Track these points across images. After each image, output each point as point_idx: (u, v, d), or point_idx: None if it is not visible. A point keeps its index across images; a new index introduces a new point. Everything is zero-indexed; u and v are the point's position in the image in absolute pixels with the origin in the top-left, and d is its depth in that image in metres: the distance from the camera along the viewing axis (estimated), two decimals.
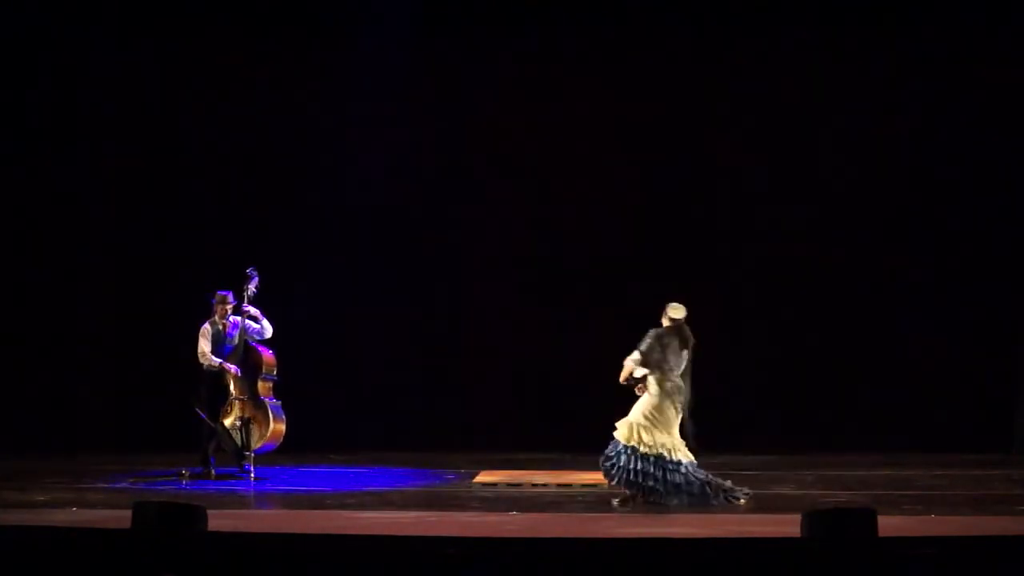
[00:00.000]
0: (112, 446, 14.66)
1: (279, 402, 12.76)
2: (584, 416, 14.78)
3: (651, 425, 10.83)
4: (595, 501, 11.32)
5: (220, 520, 8.11)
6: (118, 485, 12.18)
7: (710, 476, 10.89)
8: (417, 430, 14.93)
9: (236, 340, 12.71)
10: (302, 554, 6.92)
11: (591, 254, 15.27)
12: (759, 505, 10.92)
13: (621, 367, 11.01)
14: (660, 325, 10.97)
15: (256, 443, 12.54)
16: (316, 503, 11.22)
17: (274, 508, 11.37)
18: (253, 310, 12.74)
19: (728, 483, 10.92)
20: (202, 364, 12.62)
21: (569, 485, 12.08)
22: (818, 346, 14.88)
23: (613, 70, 15.19)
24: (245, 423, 12.54)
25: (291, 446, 12.89)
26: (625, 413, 13.96)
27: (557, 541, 7.52)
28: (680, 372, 10.89)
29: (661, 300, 14.65)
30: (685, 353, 10.90)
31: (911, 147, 14.98)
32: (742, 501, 10.82)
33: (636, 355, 10.86)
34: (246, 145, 15.19)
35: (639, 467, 10.74)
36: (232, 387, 12.60)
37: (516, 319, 15.16)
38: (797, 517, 7.44)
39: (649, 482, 10.73)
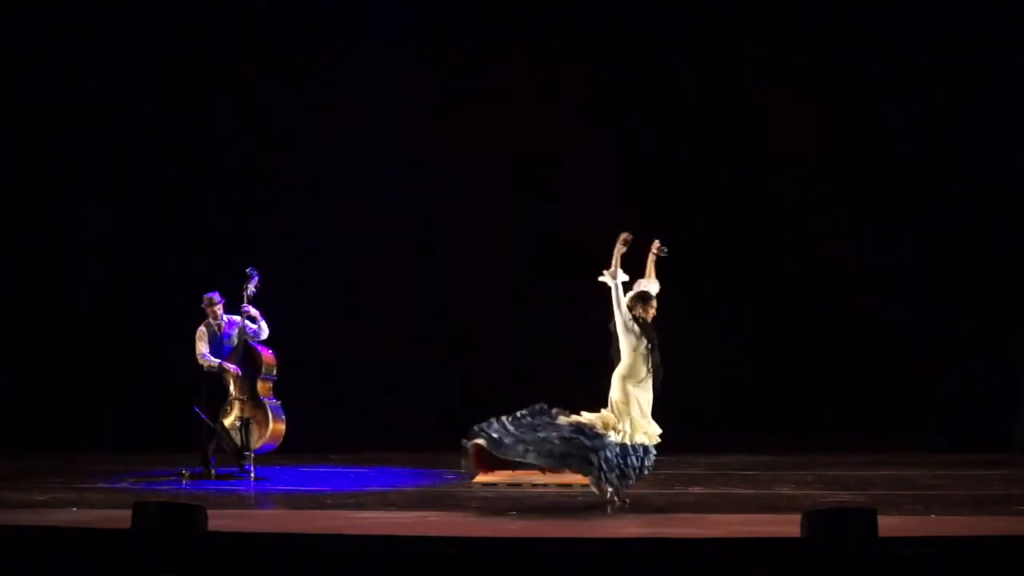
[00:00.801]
0: (112, 446, 14.66)
1: (279, 402, 12.75)
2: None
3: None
4: (595, 501, 11.30)
5: (220, 520, 8.11)
6: (118, 485, 12.18)
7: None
8: (417, 430, 14.92)
9: (235, 340, 12.70)
10: (302, 554, 6.93)
11: (591, 254, 15.24)
12: (759, 505, 10.92)
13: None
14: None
15: (256, 443, 12.54)
16: (316, 503, 11.21)
17: (274, 508, 11.36)
18: (252, 310, 12.73)
19: None
20: (202, 365, 12.63)
21: (569, 485, 12.06)
22: (818, 346, 14.87)
23: (614, 68, 15.18)
24: (245, 423, 12.54)
25: (291, 446, 12.88)
26: None
27: (557, 541, 7.52)
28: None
29: (661, 300, 14.69)
30: None
31: (911, 146, 14.97)
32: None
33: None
34: (246, 145, 15.18)
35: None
36: (232, 387, 12.60)
37: (516, 319, 15.15)
38: (797, 517, 7.44)
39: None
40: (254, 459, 12.45)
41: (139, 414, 14.74)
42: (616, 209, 15.24)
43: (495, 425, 10.87)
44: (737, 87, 15.07)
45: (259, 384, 12.67)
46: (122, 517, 7.42)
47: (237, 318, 12.72)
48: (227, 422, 12.56)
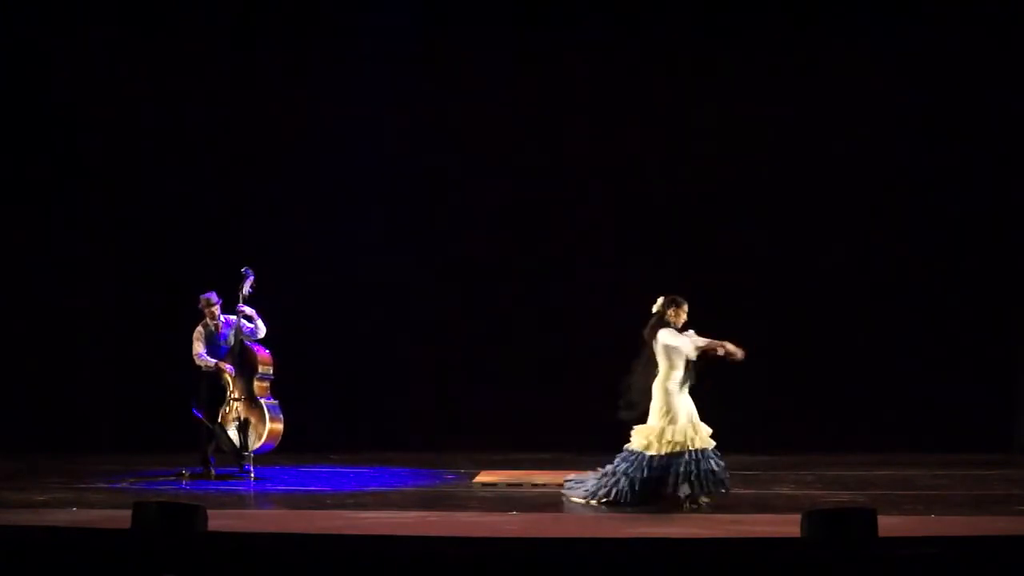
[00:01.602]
0: (112, 446, 14.67)
1: (276, 402, 12.75)
2: (584, 416, 14.82)
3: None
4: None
5: (220, 520, 8.11)
6: (118, 485, 12.18)
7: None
8: (417, 430, 14.93)
9: (231, 340, 12.70)
10: (302, 554, 6.92)
11: (592, 254, 15.27)
12: (759, 505, 10.92)
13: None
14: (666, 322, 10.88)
15: (254, 443, 12.54)
16: (316, 503, 11.22)
17: (274, 508, 11.37)
18: (248, 310, 12.73)
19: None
20: (199, 366, 12.63)
21: None
22: (818, 346, 14.87)
23: (615, 67, 15.18)
24: (243, 423, 12.54)
25: (291, 446, 12.89)
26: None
27: (557, 541, 7.52)
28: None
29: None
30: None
31: (911, 147, 14.98)
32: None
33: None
34: (246, 144, 15.18)
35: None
36: (230, 387, 12.60)
37: (516, 319, 15.16)
38: (797, 517, 7.44)
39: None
40: (254, 459, 12.46)
41: (139, 414, 14.74)
42: (618, 209, 15.28)
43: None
44: (738, 93, 15.07)
45: (256, 384, 12.66)
46: (122, 517, 7.42)
47: (233, 318, 12.72)
48: (225, 423, 12.55)
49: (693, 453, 10.69)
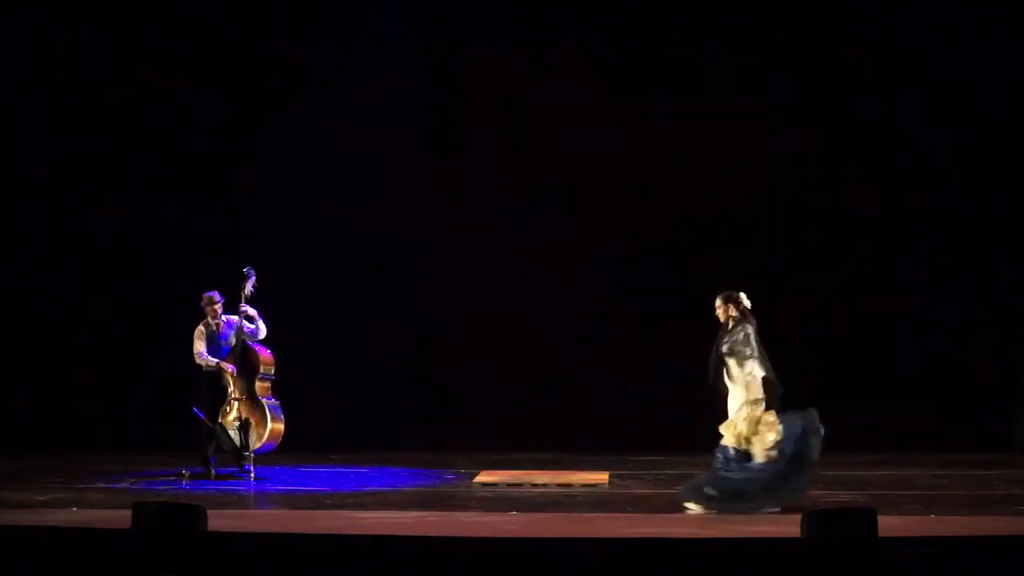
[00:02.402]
0: (112, 446, 14.67)
1: (278, 402, 12.75)
2: (584, 416, 14.84)
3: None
4: (595, 501, 11.33)
5: (220, 520, 8.11)
6: (118, 485, 12.18)
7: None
8: (417, 430, 14.93)
9: (232, 340, 12.70)
10: (302, 554, 6.92)
11: (592, 254, 15.27)
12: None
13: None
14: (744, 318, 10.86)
15: (255, 443, 12.54)
16: (316, 503, 11.22)
17: (274, 508, 11.37)
18: (250, 310, 12.73)
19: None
20: (200, 365, 12.63)
21: (569, 485, 12.08)
22: (817, 346, 14.87)
23: (617, 67, 15.19)
24: (243, 423, 12.54)
25: (291, 446, 12.89)
26: (620, 413, 14.02)
27: (557, 541, 7.52)
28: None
29: (661, 300, 14.70)
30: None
31: (911, 147, 14.98)
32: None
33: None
34: (246, 144, 15.19)
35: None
36: (231, 387, 12.60)
37: (516, 319, 15.16)
38: (797, 517, 7.44)
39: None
40: (254, 459, 12.45)
41: (139, 414, 14.74)
42: (618, 209, 15.28)
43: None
44: (739, 93, 15.08)
45: (257, 384, 12.66)
46: (122, 517, 7.41)
47: (235, 318, 12.71)
48: (226, 422, 12.55)
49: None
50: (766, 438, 10.61)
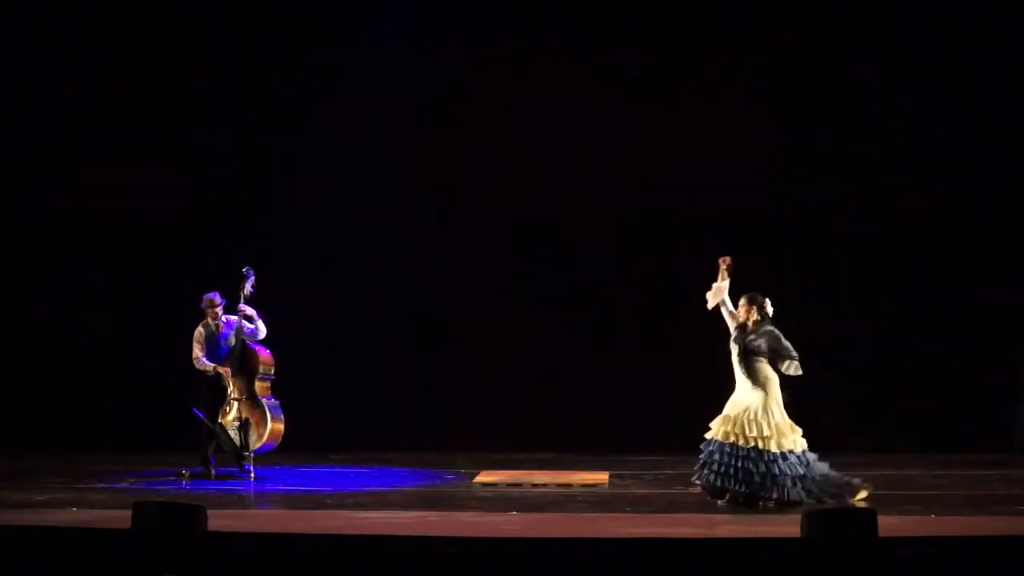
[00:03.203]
0: (112, 446, 14.66)
1: (277, 402, 12.75)
2: (584, 416, 14.84)
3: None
4: (595, 501, 11.32)
5: (220, 520, 8.11)
6: (118, 485, 12.18)
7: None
8: (417, 430, 14.92)
9: (232, 340, 12.69)
10: (302, 554, 6.92)
11: (592, 254, 15.27)
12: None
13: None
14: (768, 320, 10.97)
15: (255, 443, 12.54)
16: (316, 503, 11.21)
17: (274, 508, 11.37)
18: (248, 310, 12.72)
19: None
20: (199, 370, 12.63)
21: (569, 485, 12.08)
22: (817, 346, 14.83)
23: (619, 67, 15.18)
24: (243, 423, 12.53)
25: (291, 446, 12.88)
26: (620, 413, 13.99)
27: (557, 541, 7.52)
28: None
29: (660, 300, 14.69)
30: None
31: (912, 148, 14.98)
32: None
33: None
34: (246, 145, 15.19)
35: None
36: (230, 387, 12.59)
37: (516, 319, 15.15)
38: (797, 517, 7.44)
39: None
40: (254, 459, 12.45)
41: (139, 414, 14.74)
42: (618, 210, 15.28)
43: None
44: (742, 91, 15.09)
45: (257, 384, 12.66)
46: (122, 517, 7.42)
47: (234, 318, 12.71)
48: (226, 422, 12.55)
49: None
50: (785, 440, 10.70)
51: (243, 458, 12.50)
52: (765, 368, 10.87)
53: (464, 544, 7.22)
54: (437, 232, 15.37)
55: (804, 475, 10.67)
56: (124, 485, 12.18)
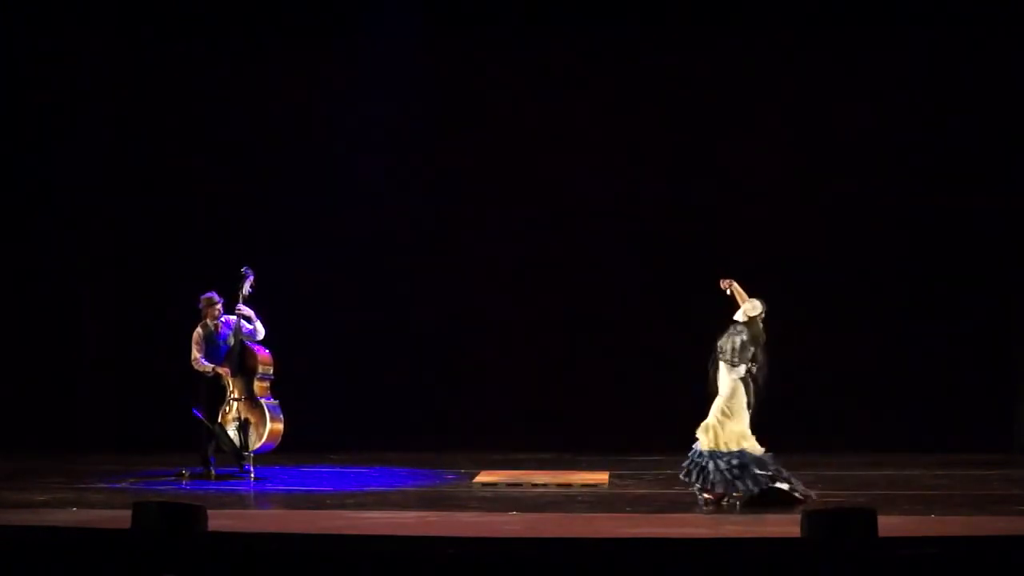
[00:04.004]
0: (112, 446, 14.66)
1: (277, 401, 12.74)
2: (584, 416, 14.84)
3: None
4: (595, 501, 11.33)
5: (220, 520, 8.11)
6: (118, 485, 12.18)
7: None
8: (417, 430, 14.92)
9: (231, 340, 12.69)
10: (302, 554, 6.92)
11: (592, 255, 15.27)
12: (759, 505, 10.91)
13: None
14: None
15: (255, 443, 12.53)
16: (316, 503, 11.21)
17: (274, 508, 11.37)
18: (247, 310, 12.71)
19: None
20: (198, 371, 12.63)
21: (569, 485, 12.08)
22: (817, 346, 14.86)
23: (621, 68, 15.18)
24: (243, 424, 12.53)
25: (291, 446, 12.88)
26: (626, 413, 14.02)
27: (557, 541, 7.52)
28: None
29: (661, 300, 14.69)
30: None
31: (912, 149, 14.99)
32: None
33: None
34: (246, 145, 15.18)
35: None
36: (230, 388, 12.59)
37: (516, 319, 15.16)
38: (797, 517, 7.44)
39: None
40: (254, 459, 12.45)
41: (139, 414, 14.74)
42: (618, 212, 15.27)
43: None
44: (743, 93, 15.09)
45: (256, 384, 12.65)
46: (122, 517, 7.42)
47: (233, 318, 12.71)
48: (225, 423, 12.55)
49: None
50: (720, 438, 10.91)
51: (243, 458, 12.50)
52: (724, 368, 10.93)
53: (464, 544, 7.22)
54: (438, 232, 15.37)
55: (740, 473, 10.74)
56: (124, 485, 12.18)
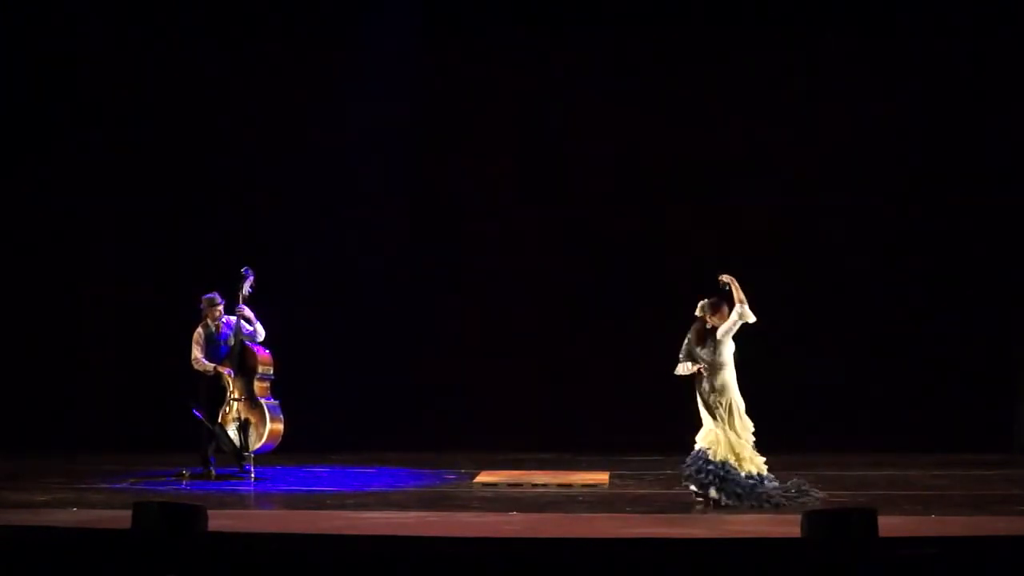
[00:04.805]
0: (112, 446, 14.66)
1: (277, 402, 12.74)
2: (584, 416, 14.84)
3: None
4: (595, 501, 11.32)
5: (220, 520, 8.11)
6: (118, 485, 12.18)
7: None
8: (417, 430, 14.92)
9: (231, 340, 12.68)
10: (302, 554, 6.92)
11: (592, 255, 15.27)
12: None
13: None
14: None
15: (255, 443, 12.53)
16: (316, 503, 11.21)
17: (274, 508, 11.37)
18: (247, 311, 12.71)
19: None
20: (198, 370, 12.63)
21: (569, 485, 12.08)
22: (817, 346, 14.87)
23: (621, 69, 15.18)
24: (243, 424, 12.53)
25: (291, 446, 12.88)
26: (626, 413, 14.02)
27: (557, 541, 7.52)
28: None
29: (661, 300, 14.68)
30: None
31: (912, 144, 14.99)
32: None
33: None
34: (246, 145, 15.19)
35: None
36: (230, 388, 12.59)
37: (516, 319, 15.16)
38: (797, 517, 7.44)
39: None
40: (254, 459, 12.45)
41: (139, 414, 14.74)
42: (618, 212, 15.28)
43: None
44: (744, 92, 15.09)
45: (256, 384, 12.65)
46: (122, 517, 7.42)
47: (234, 319, 12.71)
48: (226, 423, 12.55)
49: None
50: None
51: (243, 458, 12.50)
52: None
53: (464, 544, 7.22)
54: (437, 231, 15.37)
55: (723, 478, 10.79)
56: (124, 485, 12.18)
